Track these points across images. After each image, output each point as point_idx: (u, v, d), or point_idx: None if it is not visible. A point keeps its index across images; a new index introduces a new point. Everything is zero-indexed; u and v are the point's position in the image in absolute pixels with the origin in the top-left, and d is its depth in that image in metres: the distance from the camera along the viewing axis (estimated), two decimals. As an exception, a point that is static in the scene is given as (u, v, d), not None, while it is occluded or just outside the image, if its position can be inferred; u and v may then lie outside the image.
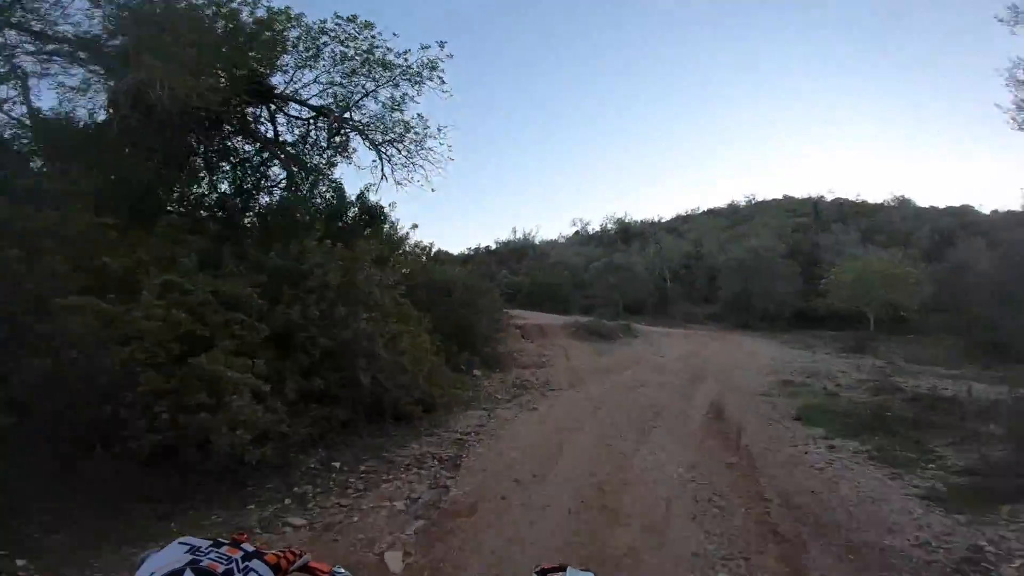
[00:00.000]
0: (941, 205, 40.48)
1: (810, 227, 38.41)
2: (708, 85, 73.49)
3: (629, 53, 71.56)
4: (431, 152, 10.83)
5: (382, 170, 11.24)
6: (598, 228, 52.94)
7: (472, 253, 54.27)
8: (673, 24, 67.79)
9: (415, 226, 12.81)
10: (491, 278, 44.06)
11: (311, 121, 10.91)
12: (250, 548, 0.72)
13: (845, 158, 65.86)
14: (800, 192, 48.89)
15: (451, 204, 72.13)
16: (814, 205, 45.20)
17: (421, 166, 11.09)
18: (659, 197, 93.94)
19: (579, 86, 73.22)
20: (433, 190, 11.22)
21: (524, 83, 72.69)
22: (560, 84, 73.64)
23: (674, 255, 36.97)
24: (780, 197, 50.58)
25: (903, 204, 43.86)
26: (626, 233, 49.92)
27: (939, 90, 65.69)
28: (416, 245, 13.02)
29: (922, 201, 41.82)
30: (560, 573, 0.89)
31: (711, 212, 53.25)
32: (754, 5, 66.46)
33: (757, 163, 72.88)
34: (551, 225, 70.40)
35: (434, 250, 12.91)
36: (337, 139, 11.06)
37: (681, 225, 50.69)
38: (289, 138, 10.62)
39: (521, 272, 44.39)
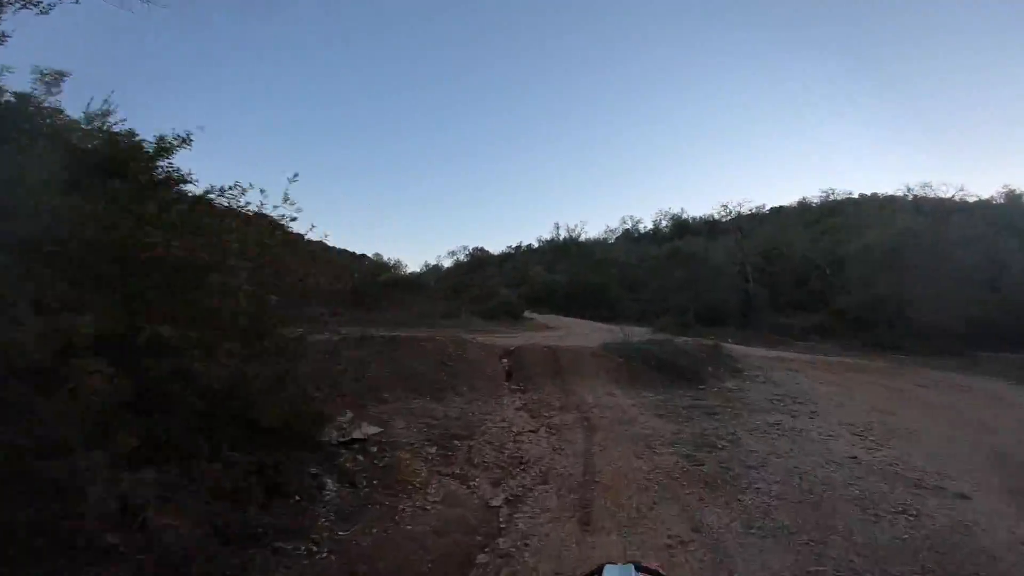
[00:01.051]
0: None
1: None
2: (763, 79, 59.15)
3: (682, 48, 58.91)
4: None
5: None
6: (650, 226, 42.48)
7: (513, 251, 45.11)
8: (723, 19, 54.72)
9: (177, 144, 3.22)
10: (523, 278, 34.37)
11: None
12: None
13: (922, 152, 49.88)
14: (880, 188, 36.33)
15: (493, 203, 62.49)
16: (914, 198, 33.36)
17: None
18: (715, 196, 79.75)
19: (629, 80, 61.42)
20: None
21: (567, 76, 61.94)
22: (608, 78, 62.16)
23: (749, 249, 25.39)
24: (856, 196, 38.00)
25: (1014, 198, 31.48)
26: (682, 231, 39.21)
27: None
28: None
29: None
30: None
31: (778, 210, 41.19)
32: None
33: (824, 160, 57.38)
34: (598, 222, 58.80)
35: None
36: None
37: (745, 224, 39.18)
38: None
39: (560, 270, 34.19)
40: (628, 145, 61.82)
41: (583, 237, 41.45)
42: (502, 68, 59.40)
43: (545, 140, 63.34)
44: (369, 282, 18.65)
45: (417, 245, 68.29)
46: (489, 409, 5.77)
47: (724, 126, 61.32)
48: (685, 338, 11.74)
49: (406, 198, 59.31)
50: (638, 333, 11.85)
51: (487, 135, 61.66)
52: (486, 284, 23.81)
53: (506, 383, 6.98)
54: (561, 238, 42.97)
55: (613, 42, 57.57)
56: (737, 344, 13.48)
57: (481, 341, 8.49)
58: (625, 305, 22.19)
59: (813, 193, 39.61)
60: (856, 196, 37.86)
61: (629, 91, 61.14)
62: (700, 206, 58.04)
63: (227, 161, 50.64)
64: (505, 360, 7.79)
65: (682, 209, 41.01)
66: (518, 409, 5.88)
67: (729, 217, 40.36)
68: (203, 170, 4.78)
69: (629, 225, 42.42)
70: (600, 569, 0.70)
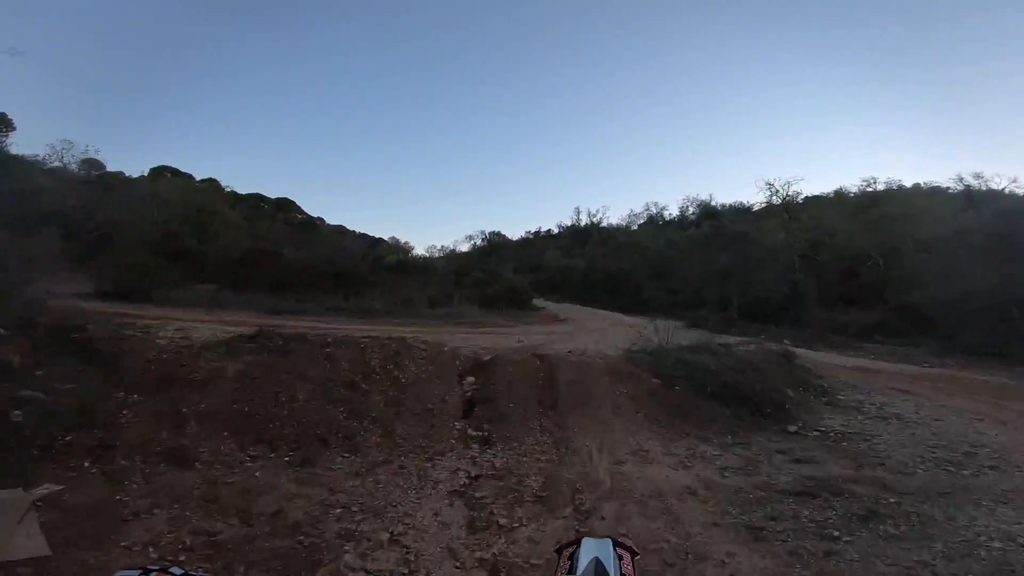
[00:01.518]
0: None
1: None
2: (792, 70, 52.48)
3: (705, 36, 53.12)
4: None
5: None
6: (676, 213, 38.36)
7: (531, 237, 41.70)
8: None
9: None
10: (538, 263, 30.97)
11: None
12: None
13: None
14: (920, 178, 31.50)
15: (514, 189, 58.69)
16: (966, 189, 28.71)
17: None
18: (742, 187, 73.58)
19: (653, 69, 56.03)
20: None
21: (595, 67, 57.08)
22: (632, 67, 56.87)
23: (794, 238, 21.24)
24: (896, 187, 32.90)
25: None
26: (711, 218, 35.09)
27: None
28: None
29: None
30: (575, 546, 0.67)
31: (812, 200, 36.57)
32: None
33: (855, 150, 50.68)
34: (621, 208, 54.06)
35: None
36: None
37: (780, 214, 34.67)
38: None
39: (579, 255, 30.65)
40: (652, 133, 56.87)
41: (605, 223, 37.78)
42: (529, 56, 55.46)
43: (568, 127, 59.10)
44: (357, 264, 15.84)
45: (440, 230, 65.58)
46: (392, 498, 2.68)
47: (753, 116, 55.68)
48: (743, 339, 8.44)
49: (430, 186, 56.36)
50: (679, 332, 8.57)
51: (510, 123, 57.95)
52: (488, 268, 20.63)
53: (458, 425, 3.87)
54: (582, 223, 39.44)
55: (636, 35, 52.71)
56: (796, 347, 10.06)
57: (434, 343, 5.34)
58: (650, 294, 18.76)
59: (851, 182, 34.62)
60: (896, 187, 33.02)
61: (654, 80, 56.14)
62: (727, 195, 52.62)
63: (260, 153, 48.72)
64: (469, 380, 4.65)
65: (710, 195, 36.60)
66: (453, 496, 2.76)
67: (772, 197, 35.74)
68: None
69: (654, 211, 38.36)
70: (578, 541, 0.66)
